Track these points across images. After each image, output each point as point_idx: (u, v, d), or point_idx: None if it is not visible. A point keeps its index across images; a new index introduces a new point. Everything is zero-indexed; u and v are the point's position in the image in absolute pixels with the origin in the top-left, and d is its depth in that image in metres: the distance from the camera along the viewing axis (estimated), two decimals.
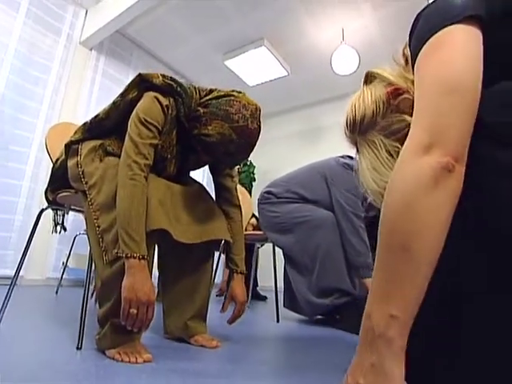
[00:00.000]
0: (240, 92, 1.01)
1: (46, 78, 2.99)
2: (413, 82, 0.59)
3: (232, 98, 0.96)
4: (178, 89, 0.99)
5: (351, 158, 1.75)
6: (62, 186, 1.14)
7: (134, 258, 0.83)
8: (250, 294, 2.50)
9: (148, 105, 0.97)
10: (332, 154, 4.45)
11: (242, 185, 5.10)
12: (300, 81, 4.36)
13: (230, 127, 0.92)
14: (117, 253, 0.85)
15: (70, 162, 1.08)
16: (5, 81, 2.68)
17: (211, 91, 1.05)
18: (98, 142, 1.05)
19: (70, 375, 0.75)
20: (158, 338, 1.14)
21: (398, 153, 0.60)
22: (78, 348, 0.93)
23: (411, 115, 0.58)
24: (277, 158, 5.16)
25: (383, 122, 0.66)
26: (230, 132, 0.92)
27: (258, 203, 1.81)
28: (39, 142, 2.85)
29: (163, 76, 1.01)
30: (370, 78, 0.72)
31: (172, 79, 1.02)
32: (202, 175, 4.24)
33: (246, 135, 0.93)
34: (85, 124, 1.10)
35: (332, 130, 4.72)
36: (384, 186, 0.62)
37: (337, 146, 5.02)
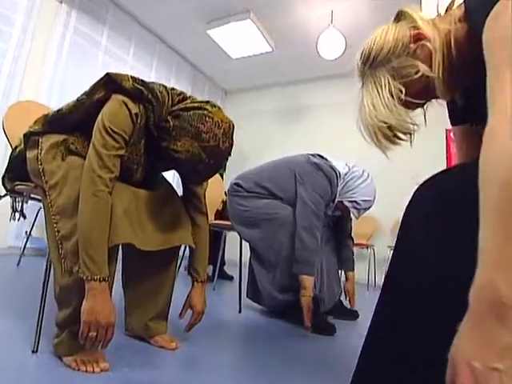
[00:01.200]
0: (214, 106, 0.95)
1: (9, 31, 2.74)
2: (441, 31, 0.62)
3: (205, 112, 0.90)
4: (149, 96, 0.93)
5: (321, 157, 1.75)
6: (21, 176, 1.08)
7: (95, 280, 0.81)
8: (216, 275, 2.54)
9: (115, 111, 0.91)
10: (313, 135, 4.55)
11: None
12: (284, 58, 4.23)
13: (199, 146, 0.88)
14: (77, 271, 0.83)
15: (30, 154, 1.02)
16: None
17: (184, 98, 1.00)
18: (61, 138, 0.99)
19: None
20: (118, 335, 1.15)
21: (400, 97, 0.65)
22: (33, 351, 0.93)
23: (425, 63, 0.63)
24: (254, 135, 5.10)
25: (396, 63, 0.66)
26: (199, 151, 0.88)
27: (228, 194, 1.81)
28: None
29: (134, 79, 0.94)
30: (400, 17, 0.71)
31: (143, 83, 0.95)
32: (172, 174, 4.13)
33: (216, 155, 0.90)
34: (46, 115, 1.03)
35: (314, 110, 4.69)
36: (378, 125, 0.66)
37: (318, 127, 5.10)
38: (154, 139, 0.97)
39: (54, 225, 0.90)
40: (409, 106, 0.68)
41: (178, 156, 0.89)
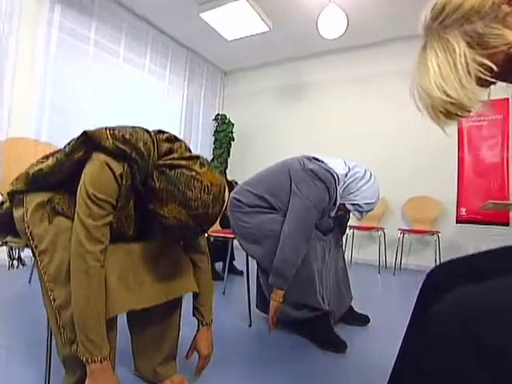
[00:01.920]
0: (203, 164, 0.87)
1: None
2: None
3: (193, 174, 0.82)
4: (133, 154, 0.85)
5: (317, 159, 1.65)
6: (11, 230, 1.04)
7: (95, 362, 0.79)
8: (226, 270, 2.55)
9: (97, 175, 0.84)
10: (315, 112, 4.40)
11: (221, 145, 4.95)
12: (282, 36, 4.01)
13: (187, 214, 0.81)
14: (76, 350, 0.81)
15: (16, 214, 0.98)
16: None
17: (171, 150, 0.92)
18: (46, 197, 0.94)
19: None
20: (128, 376, 1.17)
21: (479, 73, 0.50)
22: None
23: None
24: (257, 115, 4.97)
25: (478, 26, 0.51)
26: (187, 219, 0.82)
27: (230, 209, 1.76)
28: None
29: (114, 137, 0.85)
30: None
31: (124, 140, 0.86)
32: None
33: (205, 221, 0.85)
34: (27, 174, 0.97)
35: (316, 87, 4.51)
36: (442, 99, 0.53)
37: (320, 104, 4.94)
38: (142, 198, 0.91)
39: (50, 292, 0.88)
40: (483, 83, 0.55)
41: (165, 222, 0.84)
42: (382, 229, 3.66)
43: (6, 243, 1.09)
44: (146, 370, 1.13)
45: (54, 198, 0.94)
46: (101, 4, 3.38)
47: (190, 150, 0.97)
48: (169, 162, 0.87)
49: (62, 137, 3.09)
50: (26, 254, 1.07)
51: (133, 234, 1.00)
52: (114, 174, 0.85)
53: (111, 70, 3.60)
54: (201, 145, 4.95)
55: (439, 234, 3.40)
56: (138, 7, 3.62)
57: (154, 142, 0.91)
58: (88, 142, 0.88)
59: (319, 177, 1.53)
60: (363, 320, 1.81)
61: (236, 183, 3.26)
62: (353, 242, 3.99)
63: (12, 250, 1.18)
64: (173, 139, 0.97)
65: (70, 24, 3.15)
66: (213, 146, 5.07)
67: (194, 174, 0.83)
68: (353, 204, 1.57)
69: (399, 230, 3.50)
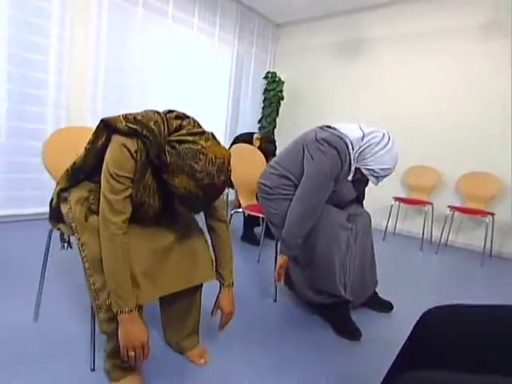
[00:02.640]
0: (209, 139, 0.94)
1: (48, 8, 2.75)
2: None
3: (199, 148, 0.90)
4: (144, 131, 0.93)
5: (330, 127, 1.63)
6: (62, 220, 1.22)
7: (124, 312, 0.95)
8: (262, 237, 2.66)
9: (117, 155, 0.96)
10: (372, 72, 4.08)
11: (270, 104, 4.86)
12: None
13: (195, 185, 0.91)
14: (110, 305, 0.98)
15: (63, 209, 1.14)
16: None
17: (181, 127, 0.98)
18: (84, 194, 1.08)
19: None
20: (158, 346, 1.36)
21: None
22: (92, 369, 1.17)
23: None
24: (308, 72, 4.74)
25: None
26: (196, 190, 0.91)
27: (258, 194, 1.82)
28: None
29: (126, 120, 0.95)
30: None
31: (136, 121, 0.95)
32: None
33: (212, 191, 0.94)
34: (67, 171, 1.12)
35: (374, 43, 4.13)
36: None
37: (377, 62, 4.60)
38: (159, 170, 1.00)
39: (90, 278, 1.04)
40: None
41: (177, 191, 0.94)
42: (431, 204, 3.48)
43: (58, 229, 1.29)
44: (173, 342, 1.32)
45: (90, 197, 1.07)
46: None
47: (199, 126, 1.03)
48: (178, 137, 0.94)
49: (119, 104, 3.35)
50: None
51: (158, 205, 1.09)
52: (130, 152, 0.95)
53: (161, 30, 3.61)
54: (250, 104, 4.90)
55: (494, 216, 3.14)
56: None
57: (163, 121, 0.99)
58: (107, 128, 1.00)
59: (330, 143, 1.53)
60: (386, 306, 1.84)
61: (273, 141, 3.27)
62: (398, 211, 3.87)
63: (63, 235, 1.38)
64: (182, 116, 1.05)
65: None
66: (262, 105, 4.99)
67: (199, 147, 0.90)
68: (368, 169, 1.55)
69: (449, 207, 3.29)
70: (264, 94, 4.95)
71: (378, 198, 4.03)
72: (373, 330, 1.63)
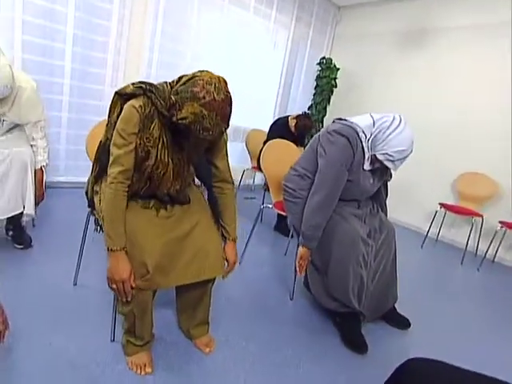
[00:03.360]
0: (203, 71, 1.05)
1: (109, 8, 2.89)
2: None
3: (196, 78, 1.01)
4: (148, 87, 1.07)
5: (340, 119, 1.67)
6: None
7: (111, 250, 1.08)
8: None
9: (125, 115, 1.08)
10: (436, 64, 3.78)
11: (322, 92, 4.71)
12: None
13: (199, 105, 0.98)
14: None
15: (96, 200, 1.28)
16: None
17: (180, 78, 1.08)
18: None
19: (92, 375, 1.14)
20: (173, 328, 1.49)
21: None
22: (112, 340, 1.33)
23: None
24: (366, 60, 4.49)
25: None
26: (200, 109, 0.98)
27: (283, 196, 1.84)
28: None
29: (133, 84, 1.11)
30: None
31: (141, 83, 1.10)
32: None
33: (215, 108, 1.00)
34: (97, 152, 1.25)
35: (441, 33, 3.78)
36: None
37: (446, 54, 4.22)
38: (171, 123, 1.08)
39: None
40: None
41: (186, 122, 1.01)
42: (481, 216, 3.22)
43: (93, 214, 1.43)
44: (184, 328, 1.43)
45: None
46: None
47: None
48: (179, 84, 1.05)
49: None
50: None
51: (166, 159, 1.16)
52: (135, 108, 1.07)
53: (216, 13, 3.63)
54: (301, 90, 4.80)
55: None
56: None
57: (166, 83, 1.13)
58: (120, 98, 1.13)
59: (340, 133, 1.56)
60: (403, 323, 1.80)
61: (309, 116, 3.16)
62: (443, 218, 3.64)
63: (97, 220, 1.53)
64: (181, 76, 1.11)
65: None
66: (313, 92, 4.86)
67: (196, 77, 1.01)
68: (382, 154, 1.53)
69: (500, 222, 3.03)
70: (316, 80, 4.80)
71: (422, 202, 3.83)
72: (382, 346, 1.62)
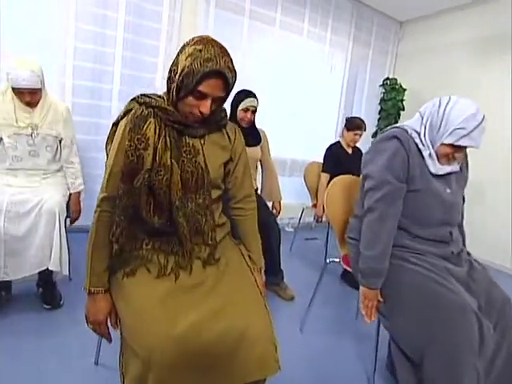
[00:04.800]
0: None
1: (158, 27, 2.81)
2: None
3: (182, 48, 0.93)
4: (140, 96, 0.97)
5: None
6: None
7: (85, 290, 0.96)
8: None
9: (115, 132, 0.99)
10: None
11: (387, 116, 4.19)
12: None
13: (190, 49, 0.88)
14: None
15: None
16: (121, 39, 2.63)
17: None
18: None
19: None
20: None
21: None
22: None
23: None
24: (437, 77, 3.90)
25: None
26: (194, 48, 0.88)
27: (348, 248, 1.45)
28: None
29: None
30: None
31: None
32: None
33: (209, 42, 0.90)
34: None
35: None
36: None
37: None
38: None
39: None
40: None
41: (188, 70, 0.87)
42: None
43: None
44: None
45: None
46: None
47: None
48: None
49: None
50: None
51: (167, 162, 0.92)
52: (125, 116, 0.96)
53: (267, 39, 3.41)
54: (364, 116, 4.30)
55: None
56: None
57: None
58: (115, 126, 1.00)
59: (387, 136, 1.28)
60: None
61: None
62: None
63: None
64: None
65: None
66: (377, 117, 4.36)
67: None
68: (450, 133, 1.18)
69: None
70: (381, 103, 4.31)
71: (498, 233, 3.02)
72: None
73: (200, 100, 0.90)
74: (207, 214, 0.98)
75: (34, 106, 1.69)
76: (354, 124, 2.76)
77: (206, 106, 0.90)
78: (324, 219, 2.82)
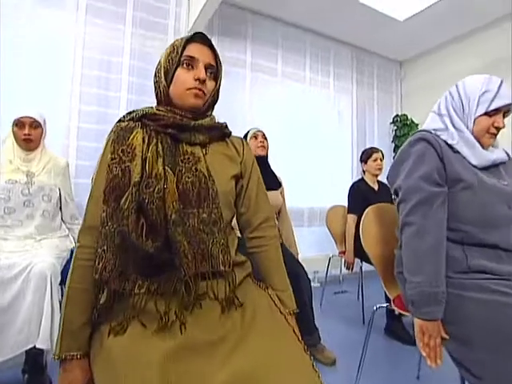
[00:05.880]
0: None
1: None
2: None
3: None
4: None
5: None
6: None
7: (55, 358, 0.71)
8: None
9: None
10: None
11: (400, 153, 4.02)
12: None
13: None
14: None
15: None
16: (125, 100, 2.62)
17: None
18: None
19: None
20: None
21: None
22: None
23: None
24: None
25: None
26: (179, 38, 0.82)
27: (400, 287, 1.13)
28: None
29: None
30: None
31: None
32: None
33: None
34: None
35: None
36: None
37: None
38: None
39: None
40: None
41: (169, 52, 0.81)
42: None
43: None
44: None
45: None
46: (254, 24, 3.26)
47: None
48: None
49: None
50: None
51: (161, 175, 0.72)
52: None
53: (270, 90, 3.42)
54: None
55: None
56: (290, 14, 3.32)
57: None
58: None
59: (406, 146, 1.13)
60: None
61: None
62: None
63: None
64: None
65: (228, 53, 3.14)
66: (393, 155, 4.20)
67: None
68: (478, 103, 1.05)
69: None
70: (394, 141, 4.18)
71: None
72: None
73: (191, 69, 0.80)
74: (215, 233, 0.74)
75: (33, 146, 1.65)
76: (369, 150, 2.60)
77: (200, 71, 0.80)
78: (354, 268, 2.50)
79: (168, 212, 0.69)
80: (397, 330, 2.10)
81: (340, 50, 3.86)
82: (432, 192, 1.01)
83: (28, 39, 2.30)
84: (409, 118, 4.07)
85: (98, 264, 0.68)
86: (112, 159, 0.72)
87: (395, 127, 4.15)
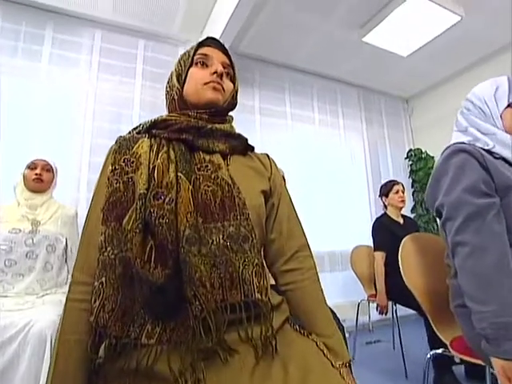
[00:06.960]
0: None
1: None
2: None
3: None
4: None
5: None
6: None
7: None
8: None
9: None
10: None
11: (422, 187, 3.87)
12: (482, 22, 2.87)
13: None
14: None
15: None
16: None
17: None
18: None
19: None
20: None
21: None
22: None
23: None
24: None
25: None
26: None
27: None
28: None
29: None
30: None
31: None
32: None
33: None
34: None
35: None
36: None
37: None
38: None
39: None
40: None
41: (180, 58, 0.75)
42: None
43: None
44: None
45: None
46: (262, 72, 3.35)
47: None
48: None
49: None
50: None
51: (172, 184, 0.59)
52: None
53: (280, 132, 3.41)
54: None
55: None
56: (297, 61, 3.41)
57: None
58: None
59: (443, 160, 1.03)
60: None
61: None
62: None
63: None
64: None
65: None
66: (411, 190, 4.03)
67: None
68: (500, 98, 1.03)
69: None
70: (411, 176, 4.04)
71: None
72: None
73: (206, 67, 0.73)
74: (246, 251, 0.57)
75: (42, 188, 1.62)
76: (389, 183, 2.48)
77: (216, 66, 0.72)
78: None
79: (180, 228, 0.54)
80: (446, 380, 1.80)
81: (346, 91, 3.90)
82: (480, 204, 0.88)
83: (43, 95, 2.38)
84: (423, 151, 3.97)
85: (95, 302, 0.53)
86: (113, 170, 0.61)
87: (410, 162, 4.03)
